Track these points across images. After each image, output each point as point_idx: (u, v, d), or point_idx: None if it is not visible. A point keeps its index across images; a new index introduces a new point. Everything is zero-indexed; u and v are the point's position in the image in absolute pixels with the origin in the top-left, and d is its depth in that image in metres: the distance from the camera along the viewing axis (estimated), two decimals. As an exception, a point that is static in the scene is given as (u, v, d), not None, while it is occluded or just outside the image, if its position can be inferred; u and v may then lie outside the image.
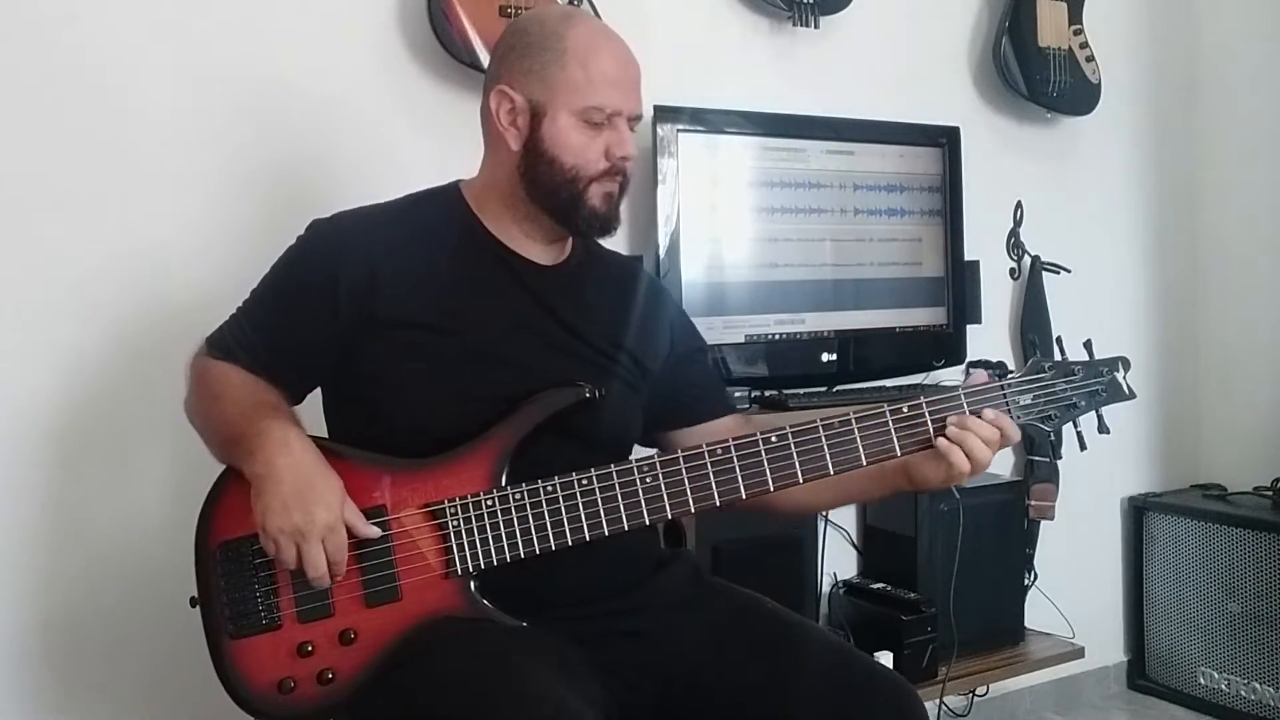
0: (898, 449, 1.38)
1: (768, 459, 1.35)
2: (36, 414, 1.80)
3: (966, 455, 1.35)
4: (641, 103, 1.45)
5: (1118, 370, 1.45)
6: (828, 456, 1.36)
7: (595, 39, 1.41)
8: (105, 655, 1.85)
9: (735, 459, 1.34)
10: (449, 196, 1.48)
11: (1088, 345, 1.46)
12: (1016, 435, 1.39)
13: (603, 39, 1.43)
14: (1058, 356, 1.45)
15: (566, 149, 1.39)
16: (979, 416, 1.37)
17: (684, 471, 1.34)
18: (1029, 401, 1.41)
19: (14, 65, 1.78)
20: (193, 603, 1.32)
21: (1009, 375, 1.45)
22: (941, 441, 1.36)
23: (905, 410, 1.38)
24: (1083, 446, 1.46)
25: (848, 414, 1.37)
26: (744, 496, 1.34)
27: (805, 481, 1.36)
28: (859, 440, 1.36)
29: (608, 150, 1.40)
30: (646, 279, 1.63)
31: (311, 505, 1.22)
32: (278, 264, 1.44)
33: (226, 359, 1.39)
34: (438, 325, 1.37)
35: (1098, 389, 1.43)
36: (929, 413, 1.38)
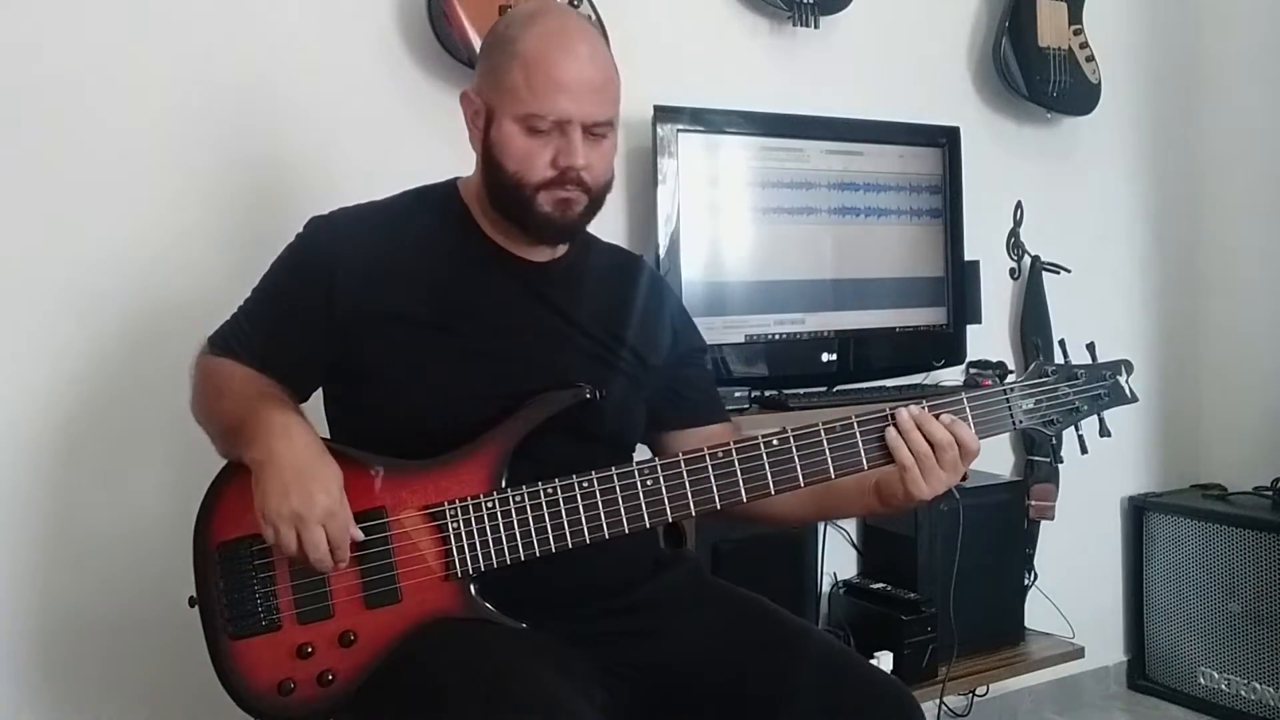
0: None
1: (769, 462, 1.34)
2: (33, 414, 1.80)
3: (912, 453, 1.33)
4: (606, 108, 1.37)
5: (1120, 374, 1.44)
6: (829, 460, 1.35)
7: (547, 42, 1.34)
8: (105, 655, 1.85)
9: (736, 462, 1.33)
10: (445, 193, 1.48)
11: (1090, 348, 1.46)
12: (974, 446, 1.36)
13: (557, 42, 1.34)
14: (1060, 360, 1.44)
15: (509, 155, 1.35)
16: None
17: (685, 474, 1.33)
18: (1031, 405, 1.41)
19: (11, 62, 1.78)
20: (191, 602, 1.32)
21: (1008, 377, 1.45)
22: (890, 434, 1.34)
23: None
24: (1083, 450, 1.46)
25: (849, 417, 1.36)
26: (745, 499, 1.34)
27: (806, 485, 1.35)
28: (860, 444, 1.36)
29: (555, 159, 1.35)
30: (648, 273, 1.62)
31: (311, 490, 1.22)
32: (276, 262, 1.44)
33: (227, 355, 1.40)
34: (435, 323, 1.37)
35: (1100, 393, 1.43)
36: (946, 413, 1.36)
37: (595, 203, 1.41)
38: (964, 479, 1.40)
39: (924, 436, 1.34)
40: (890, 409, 1.36)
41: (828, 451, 1.35)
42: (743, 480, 1.33)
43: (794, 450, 1.34)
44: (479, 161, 1.43)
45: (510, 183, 1.36)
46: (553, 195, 1.36)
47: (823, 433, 1.35)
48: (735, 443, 1.35)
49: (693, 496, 1.33)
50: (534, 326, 1.43)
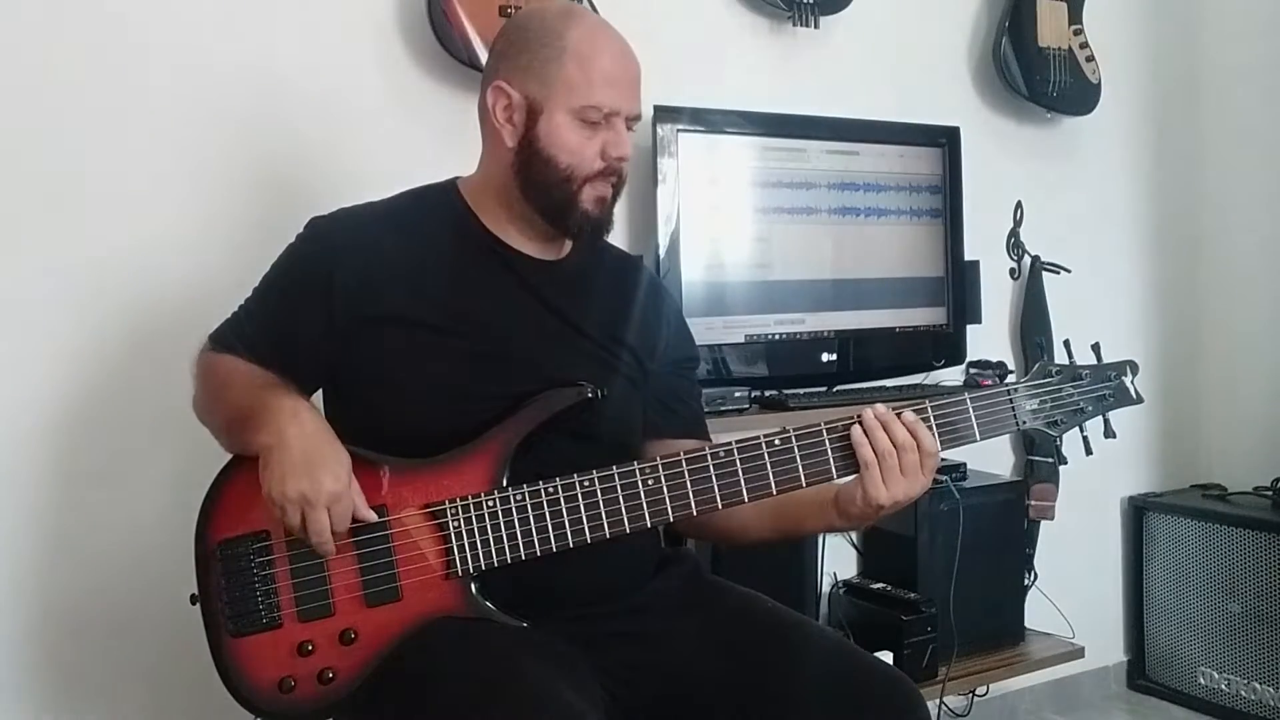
0: None
1: (771, 462, 1.33)
2: (35, 413, 1.80)
3: (874, 450, 1.32)
4: (640, 103, 1.44)
5: (1125, 375, 1.43)
6: (831, 460, 1.34)
7: (596, 37, 1.40)
8: (105, 653, 1.85)
9: (738, 461, 1.33)
10: (445, 194, 1.48)
11: (1096, 348, 1.45)
12: (933, 448, 1.35)
13: (603, 37, 1.41)
14: (1064, 360, 1.44)
15: (562, 148, 1.38)
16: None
17: (686, 473, 1.33)
18: (1035, 406, 1.40)
19: (11, 62, 1.78)
20: (193, 600, 1.32)
21: (1008, 377, 1.43)
22: (855, 431, 1.33)
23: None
24: (1088, 451, 1.45)
25: (852, 417, 1.35)
26: (746, 499, 1.33)
27: (808, 485, 1.34)
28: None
29: (604, 150, 1.39)
30: (647, 276, 1.62)
31: (319, 473, 1.23)
32: (277, 262, 1.45)
33: (228, 353, 1.41)
34: (436, 324, 1.37)
35: (1105, 394, 1.42)
36: (934, 417, 1.36)
37: (617, 199, 1.45)
38: (936, 484, 1.38)
39: (888, 436, 1.33)
40: (934, 409, 1.36)
41: (830, 452, 1.34)
42: (744, 480, 1.33)
43: (795, 450, 1.34)
44: (513, 158, 1.41)
45: (561, 175, 1.38)
46: (595, 190, 1.40)
47: (824, 432, 1.35)
48: (736, 442, 1.34)
49: (694, 496, 1.33)
50: (535, 326, 1.43)
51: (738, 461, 1.33)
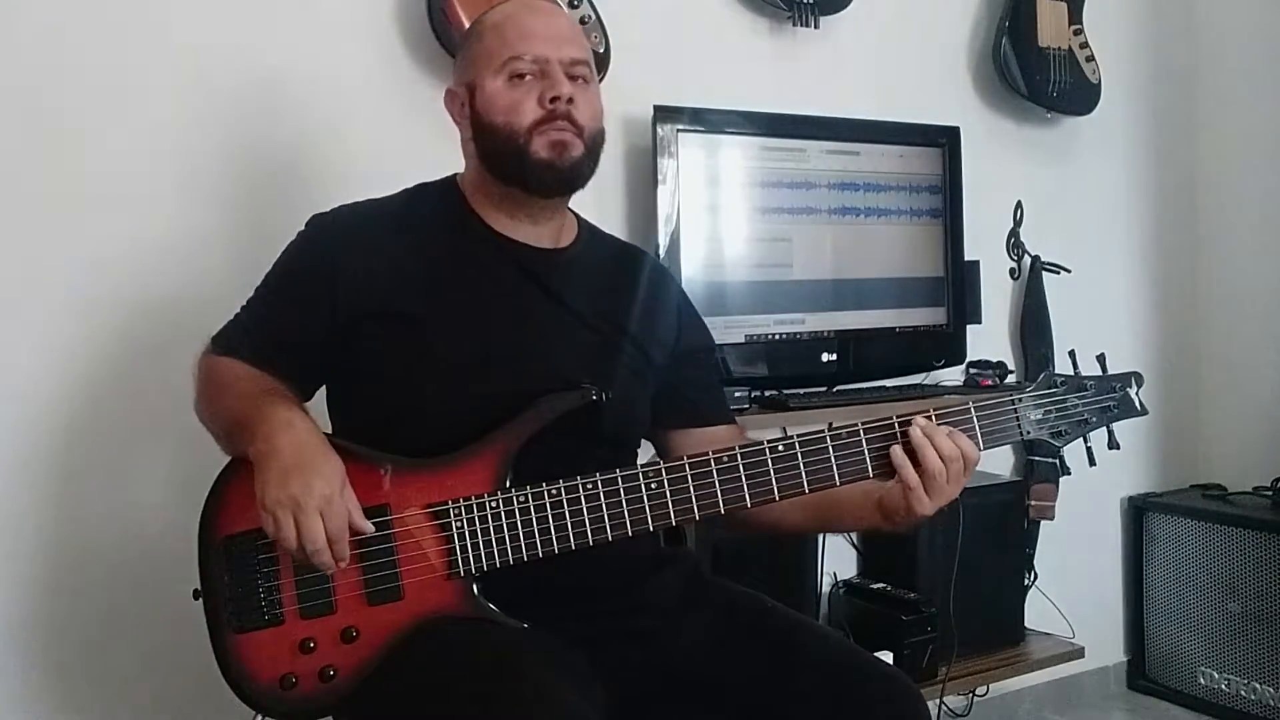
0: None
1: (774, 467, 1.33)
2: (37, 410, 1.80)
3: (920, 471, 1.32)
4: (581, 50, 1.43)
5: (1130, 386, 1.43)
6: (835, 467, 1.34)
7: (511, 10, 1.44)
8: (106, 651, 1.85)
9: (741, 466, 1.33)
10: (445, 189, 1.49)
11: (1101, 359, 1.45)
12: (976, 456, 1.36)
13: (520, 8, 1.44)
14: (1068, 369, 1.43)
15: (498, 110, 1.39)
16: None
17: (689, 478, 1.32)
18: (1040, 416, 1.40)
19: (12, 65, 1.78)
20: (196, 595, 1.32)
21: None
22: (896, 452, 1.33)
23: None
24: (1092, 462, 1.44)
25: (856, 424, 1.35)
26: (749, 505, 1.33)
27: (811, 491, 1.34)
28: (867, 452, 1.35)
29: (540, 97, 1.38)
30: (654, 266, 1.62)
31: (309, 477, 1.21)
32: (278, 260, 1.45)
33: (230, 354, 1.41)
34: (438, 319, 1.37)
35: (1109, 405, 1.42)
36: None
37: (591, 153, 1.43)
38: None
39: (935, 450, 1.32)
40: (898, 419, 1.35)
41: (833, 458, 1.34)
42: (747, 485, 1.33)
43: (799, 456, 1.34)
44: (473, 145, 1.44)
45: (503, 135, 1.39)
46: (546, 138, 1.39)
47: (829, 439, 1.34)
48: (740, 447, 1.34)
49: (696, 500, 1.32)
50: (538, 320, 1.42)
51: (740, 466, 1.33)
